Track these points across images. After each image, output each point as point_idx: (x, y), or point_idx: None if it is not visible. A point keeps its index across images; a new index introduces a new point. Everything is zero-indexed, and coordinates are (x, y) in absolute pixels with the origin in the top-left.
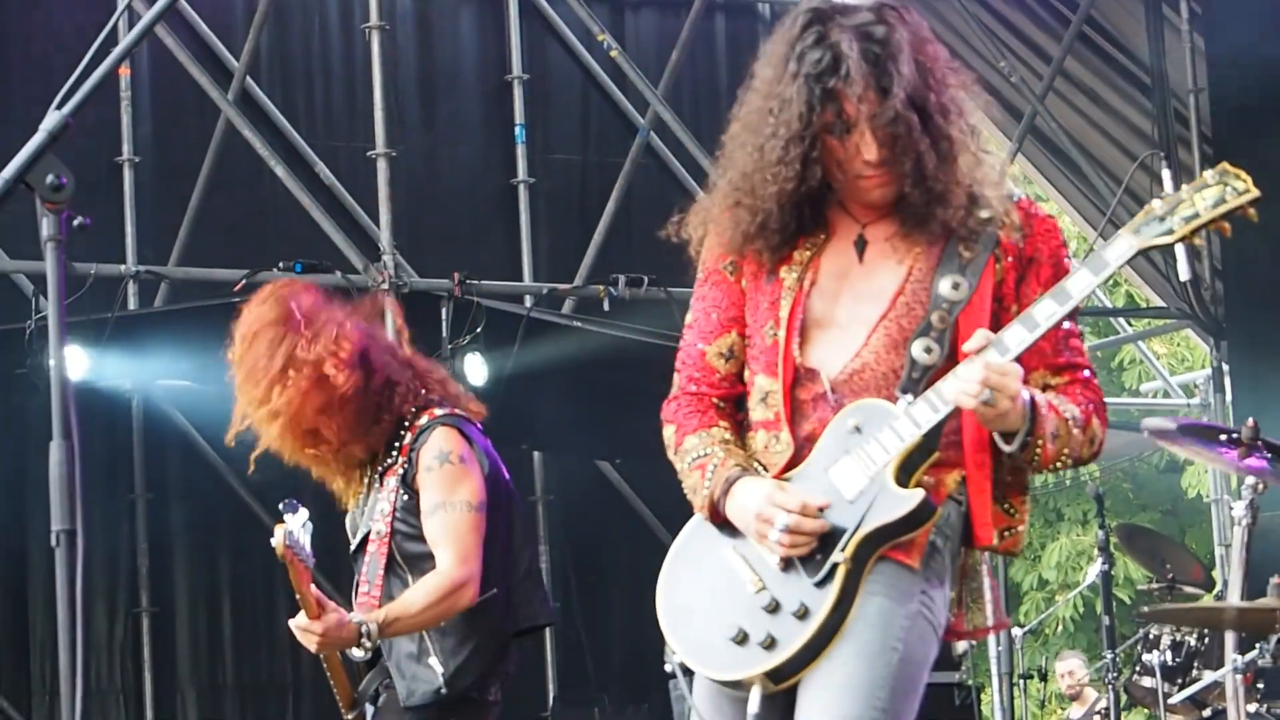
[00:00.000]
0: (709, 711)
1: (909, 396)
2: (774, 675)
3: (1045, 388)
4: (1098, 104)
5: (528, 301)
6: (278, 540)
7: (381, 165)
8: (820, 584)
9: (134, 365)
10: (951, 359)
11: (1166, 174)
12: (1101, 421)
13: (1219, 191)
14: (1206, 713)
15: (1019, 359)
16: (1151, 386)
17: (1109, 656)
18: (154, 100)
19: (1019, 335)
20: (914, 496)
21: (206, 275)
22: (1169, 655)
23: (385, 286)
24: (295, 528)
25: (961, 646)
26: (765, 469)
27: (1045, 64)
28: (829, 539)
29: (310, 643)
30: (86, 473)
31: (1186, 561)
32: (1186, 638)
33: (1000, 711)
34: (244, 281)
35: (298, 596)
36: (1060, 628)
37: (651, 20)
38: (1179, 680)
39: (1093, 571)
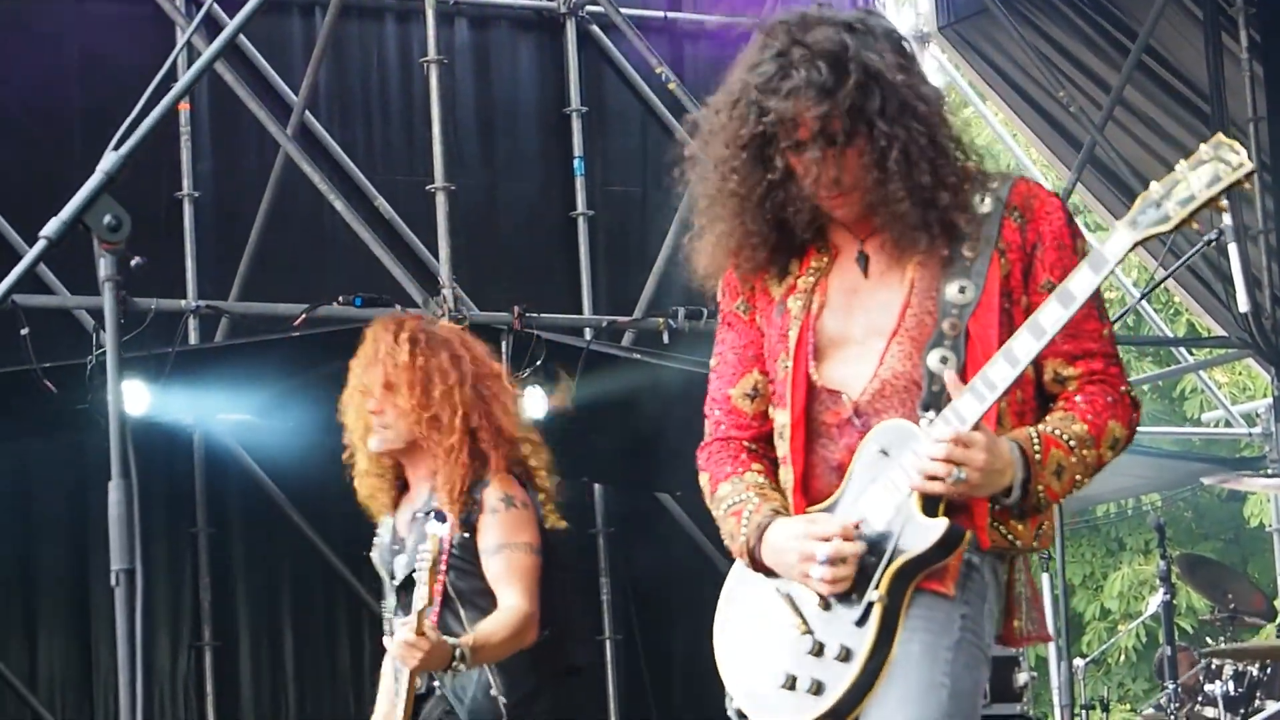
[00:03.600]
0: None
1: (931, 413)
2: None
3: (1057, 379)
4: (1157, 133)
5: (587, 334)
6: (431, 546)
7: (440, 199)
8: (859, 623)
9: (195, 400)
10: (967, 366)
11: (1224, 202)
12: (1121, 418)
13: (1214, 169)
14: None
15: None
16: (1213, 416)
17: (1171, 687)
18: (214, 136)
19: (1002, 371)
20: (939, 525)
21: (267, 310)
22: (1231, 685)
23: (445, 320)
24: (444, 535)
25: (1023, 678)
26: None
27: (1104, 93)
28: (865, 573)
29: (413, 658)
30: (148, 508)
31: (1248, 591)
32: (1249, 668)
33: None
34: (304, 316)
35: (421, 606)
36: (1123, 657)
37: (709, 51)
38: (1241, 711)
39: (1154, 602)
